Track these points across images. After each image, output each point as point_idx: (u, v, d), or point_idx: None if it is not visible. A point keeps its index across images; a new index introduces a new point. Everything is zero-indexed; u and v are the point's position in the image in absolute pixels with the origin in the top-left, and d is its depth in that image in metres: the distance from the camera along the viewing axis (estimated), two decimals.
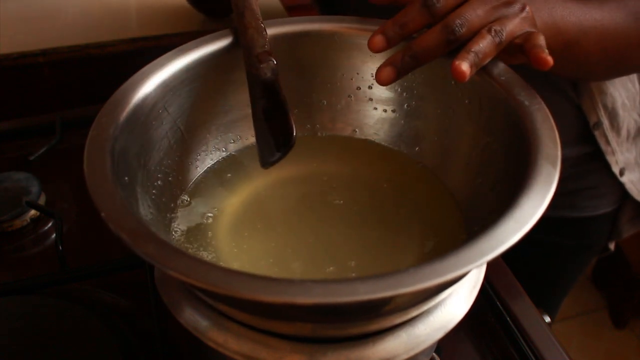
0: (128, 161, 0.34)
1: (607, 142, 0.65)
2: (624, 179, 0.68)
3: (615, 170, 0.67)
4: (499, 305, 0.49)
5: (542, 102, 0.35)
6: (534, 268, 0.78)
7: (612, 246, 0.78)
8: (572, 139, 0.64)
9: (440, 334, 0.33)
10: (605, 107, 0.62)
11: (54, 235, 0.55)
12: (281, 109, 0.39)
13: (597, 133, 0.63)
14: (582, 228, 0.74)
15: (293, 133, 0.39)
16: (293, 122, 0.39)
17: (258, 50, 0.39)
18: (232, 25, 0.42)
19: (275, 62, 0.39)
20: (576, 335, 1.45)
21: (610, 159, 0.66)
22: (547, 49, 0.36)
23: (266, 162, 0.40)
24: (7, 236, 0.56)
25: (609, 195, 0.70)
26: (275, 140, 0.39)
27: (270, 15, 0.42)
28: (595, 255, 0.80)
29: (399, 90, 0.44)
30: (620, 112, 0.63)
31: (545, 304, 0.84)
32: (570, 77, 0.58)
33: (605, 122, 0.63)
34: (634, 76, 0.63)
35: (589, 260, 0.81)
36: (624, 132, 0.65)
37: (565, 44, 0.44)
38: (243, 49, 0.40)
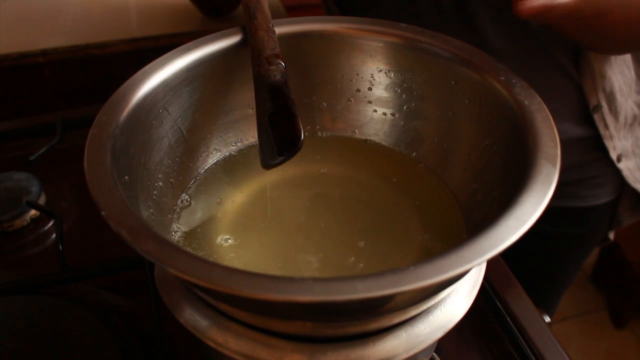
0: (128, 160, 0.34)
1: (606, 126, 0.65)
2: (622, 166, 0.69)
3: (613, 156, 0.68)
4: (499, 305, 0.49)
5: (542, 102, 0.35)
6: (534, 260, 0.78)
7: (611, 235, 0.79)
8: (574, 120, 0.65)
9: (440, 334, 0.33)
10: (604, 90, 0.62)
11: (54, 235, 0.55)
12: (289, 112, 0.39)
13: (596, 116, 0.64)
14: (583, 217, 0.74)
15: (301, 137, 0.38)
16: (301, 126, 0.39)
17: (268, 53, 0.39)
18: (241, 25, 0.42)
19: (284, 65, 0.39)
20: (576, 335, 1.45)
21: (609, 143, 0.66)
22: (580, 17, 0.38)
23: (268, 164, 0.40)
24: (7, 236, 0.56)
25: (609, 184, 0.71)
26: (279, 142, 0.39)
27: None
28: (595, 245, 0.81)
29: (399, 91, 0.44)
30: (618, 96, 0.64)
31: (545, 298, 0.85)
32: (589, 48, 0.58)
33: (604, 106, 0.63)
34: (630, 62, 0.65)
35: (589, 251, 0.82)
36: (621, 118, 0.66)
37: (597, 14, 0.45)
38: (252, 50, 0.40)
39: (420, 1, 0.64)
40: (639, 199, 0.73)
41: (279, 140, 0.39)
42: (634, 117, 0.68)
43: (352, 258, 0.37)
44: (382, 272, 0.25)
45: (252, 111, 0.45)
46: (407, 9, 0.66)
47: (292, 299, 0.24)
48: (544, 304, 0.84)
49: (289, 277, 0.25)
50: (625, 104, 0.65)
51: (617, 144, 0.68)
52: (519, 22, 0.63)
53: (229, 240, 0.38)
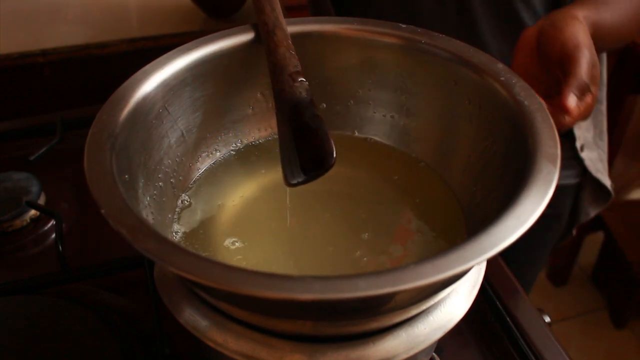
0: (128, 159, 0.34)
1: None
2: (584, 155, 0.72)
3: (578, 144, 0.71)
4: (499, 305, 0.49)
5: (542, 102, 0.35)
6: None
7: (574, 232, 0.84)
8: None
9: (439, 334, 0.33)
10: None
11: (54, 235, 0.55)
12: (320, 130, 0.38)
13: None
14: None
15: (333, 154, 0.37)
16: (332, 143, 0.38)
17: (291, 70, 0.39)
18: (244, 24, 0.42)
19: (307, 83, 0.39)
20: (576, 335, 1.45)
21: (577, 132, 0.70)
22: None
23: (290, 183, 0.39)
24: (7, 236, 0.56)
25: (572, 168, 0.74)
26: (309, 160, 0.38)
27: None
28: (559, 233, 0.84)
29: (399, 92, 0.44)
30: None
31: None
32: None
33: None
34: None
35: (553, 235, 0.84)
36: None
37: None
38: (272, 67, 0.39)
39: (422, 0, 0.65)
40: (601, 190, 0.76)
41: (309, 157, 0.37)
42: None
43: (352, 258, 0.37)
44: (382, 271, 0.25)
45: (252, 111, 0.45)
46: (407, 7, 0.66)
47: (291, 297, 0.24)
48: None
49: (289, 275, 0.25)
50: None
51: (580, 134, 0.71)
52: (514, 21, 0.64)
53: (236, 243, 0.38)
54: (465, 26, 0.66)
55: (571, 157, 0.73)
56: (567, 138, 0.72)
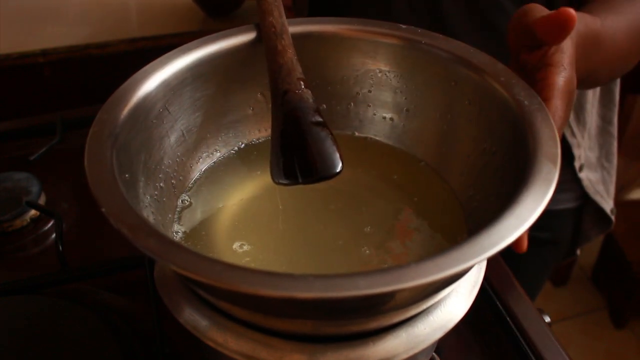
0: (129, 158, 0.34)
1: (573, 134, 0.66)
2: (582, 176, 0.70)
3: (576, 164, 0.68)
4: (499, 305, 0.49)
5: (542, 102, 0.35)
6: None
7: (578, 251, 0.81)
8: None
9: (440, 334, 0.33)
10: None
11: (54, 235, 0.55)
12: (325, 138, 0.38)
13: None
14: (546, 220, 0.75)
15: (340, 163, 0.37)
16: (338, 153, 0.38)
17: (298, 75, 0.39)
18: (245, 24, 0.42)
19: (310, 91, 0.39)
20: (576, 335, 1.45)
21: (575, 151, 0.67)
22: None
23: (278, 181, 0.39)
24: (7, 236, 0.56)
25: (571, 191, 0.72)
26: (304, 164, 0.38)
27: None
28: (560, 256, 0.81)
29: (399, 93, 0.44)
30: (588, 107, 0.65)
31: None
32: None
33: (571, 114, 0.64)
34: None
35: (553, 259, 0.82)
36: (587, 128, 0.67)
37: (587, 75, 0.46)
38: (278, 67, 0.39)
39: (393, 1, 0.64)
40: (602, 214, 0.74)
41: (310, 163, 0.38)
42: (598, 128, 0.69)
43: (353, 258, 0.37)
44: (383, 269, 0.25)
45: (252, 112, 0.45)
46: (377, 7, 0.66)
47: (292, 296, 0.24)
48: None
49: (290, 274, 0.25)
50: (591, 114, 0.67)
51: (582, 153, 0.68)
52: (489, 24, 0.64)
53: (230, 240, 0.38)
54: (438, 32, 0.66)
55: (570, 179, 0.70)
56: (565, 158, 0.69)
